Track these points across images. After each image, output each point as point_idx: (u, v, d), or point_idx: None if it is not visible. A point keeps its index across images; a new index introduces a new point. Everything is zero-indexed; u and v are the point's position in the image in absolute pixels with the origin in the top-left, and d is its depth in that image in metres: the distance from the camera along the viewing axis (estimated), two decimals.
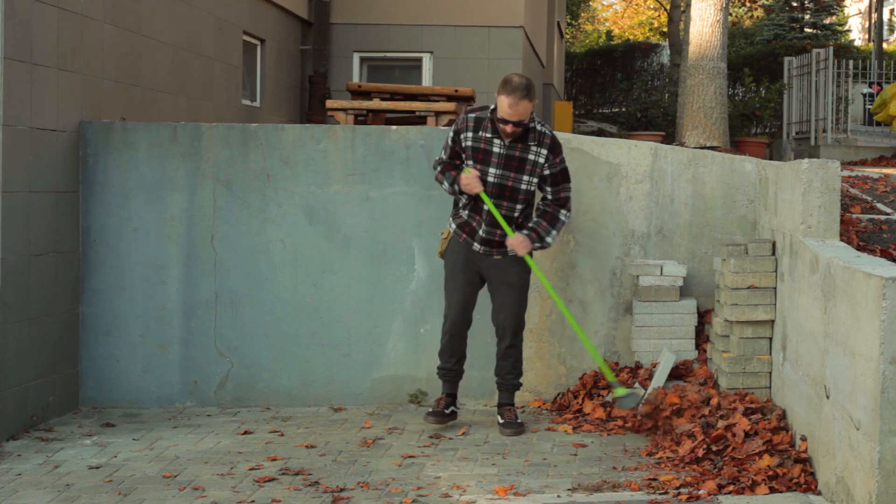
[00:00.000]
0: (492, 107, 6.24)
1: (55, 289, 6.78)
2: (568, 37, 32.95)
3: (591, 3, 39.35)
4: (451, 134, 6.31)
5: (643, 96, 22.31)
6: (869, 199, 8.75)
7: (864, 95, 21.08)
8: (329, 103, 9.04)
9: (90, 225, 7.09)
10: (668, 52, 25.55)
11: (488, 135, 6.23)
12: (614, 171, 7.12)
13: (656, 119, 19.89)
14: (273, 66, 11.62)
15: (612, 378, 6.39)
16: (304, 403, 7.14)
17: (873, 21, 31.40)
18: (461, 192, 6.29)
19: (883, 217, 7.94)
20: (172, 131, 7.17)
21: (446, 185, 6.35)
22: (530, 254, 6.35)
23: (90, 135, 7.08)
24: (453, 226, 6.43)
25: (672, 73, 23.00)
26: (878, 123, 17.23)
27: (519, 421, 6.42)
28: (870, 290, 4.36)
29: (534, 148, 6.22)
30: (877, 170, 11.51)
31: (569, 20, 31.66)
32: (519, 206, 6.32)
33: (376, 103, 8.91)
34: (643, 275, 6.99)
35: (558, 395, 7.04)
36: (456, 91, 9.28)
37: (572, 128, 17.87)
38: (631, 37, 38.98)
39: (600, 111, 24.64)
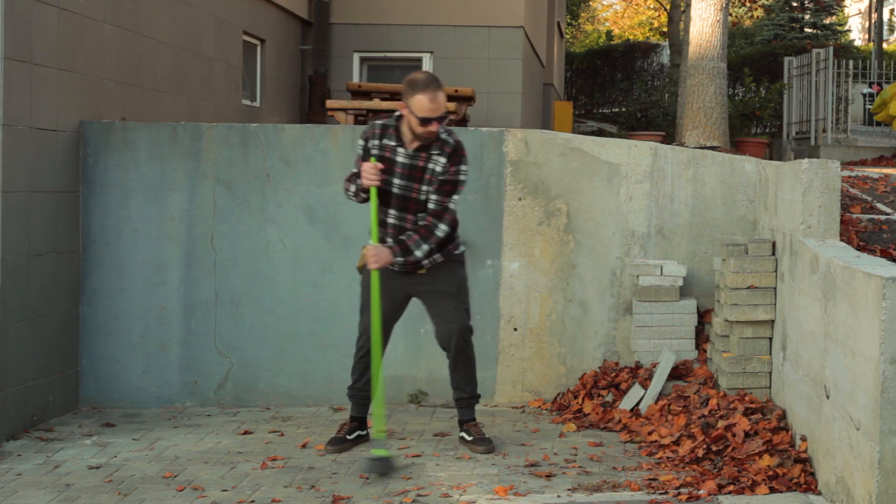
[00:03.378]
0: (397, 114, 5.79)
1: (55, 289, 6.78)
2: (568, 37, 32.95)
3: (591, 3, 39.35)
4: (361, 142, 5.83)
5: (643, 96, 22.32)
6: (869, 199, 8.75)
7: (864, 95, 21.08)
8: (329, 103, 9.05)
9: (90, 225, 7.09)
10: (668, 52, 25.55)
11: (392, 143, 5.75)
12: (614, 171, 7.12)
13: (656, 119, 19.90)
14: (273, 66, 11.62)
15: (379, 433, 5.79)
16: (304, 403, 7.14)
17: (873, 21, 31.40)
18: (364, 191, 5.75)
19: (883, 217, 7.94)
20: (172, 131, 7.17)
21: (353, 189, 5.79)
22: (424, 265, 5.87)
23: (90, 135, 7.08)
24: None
25: (672, 73, 23.01)
26: (878, 123, 17.24)
27: (488, 437, 6.04)
28: (870, 290, 4.35)
29: (436, 157, 5.73)
30: (877, 170, 11.51)
31: (569, 20, 31.65)
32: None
33: (376, 103, 8.92)
34: (643, 275, 6.99)
35: (558, 395, 7.05)
36: (456, 91, 9.29)
37: (572, 128, 17.88)
38: (631, 37, 38.98)
39: (600, 111, 24.64)
